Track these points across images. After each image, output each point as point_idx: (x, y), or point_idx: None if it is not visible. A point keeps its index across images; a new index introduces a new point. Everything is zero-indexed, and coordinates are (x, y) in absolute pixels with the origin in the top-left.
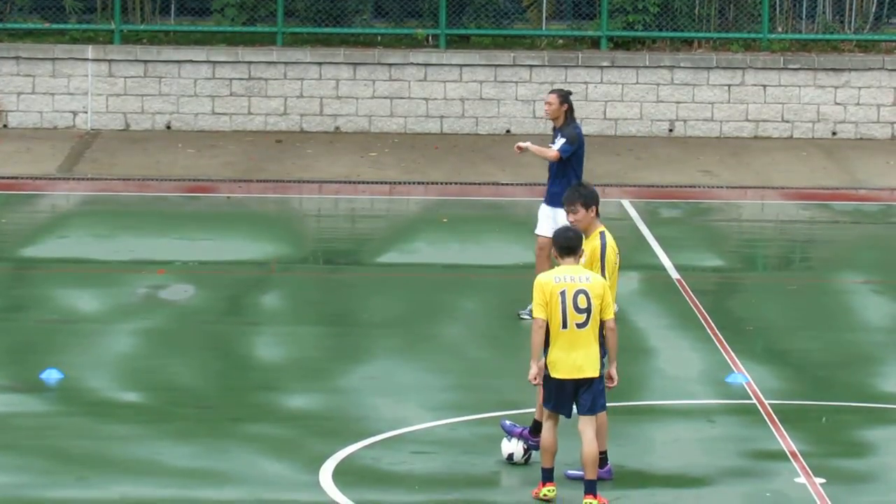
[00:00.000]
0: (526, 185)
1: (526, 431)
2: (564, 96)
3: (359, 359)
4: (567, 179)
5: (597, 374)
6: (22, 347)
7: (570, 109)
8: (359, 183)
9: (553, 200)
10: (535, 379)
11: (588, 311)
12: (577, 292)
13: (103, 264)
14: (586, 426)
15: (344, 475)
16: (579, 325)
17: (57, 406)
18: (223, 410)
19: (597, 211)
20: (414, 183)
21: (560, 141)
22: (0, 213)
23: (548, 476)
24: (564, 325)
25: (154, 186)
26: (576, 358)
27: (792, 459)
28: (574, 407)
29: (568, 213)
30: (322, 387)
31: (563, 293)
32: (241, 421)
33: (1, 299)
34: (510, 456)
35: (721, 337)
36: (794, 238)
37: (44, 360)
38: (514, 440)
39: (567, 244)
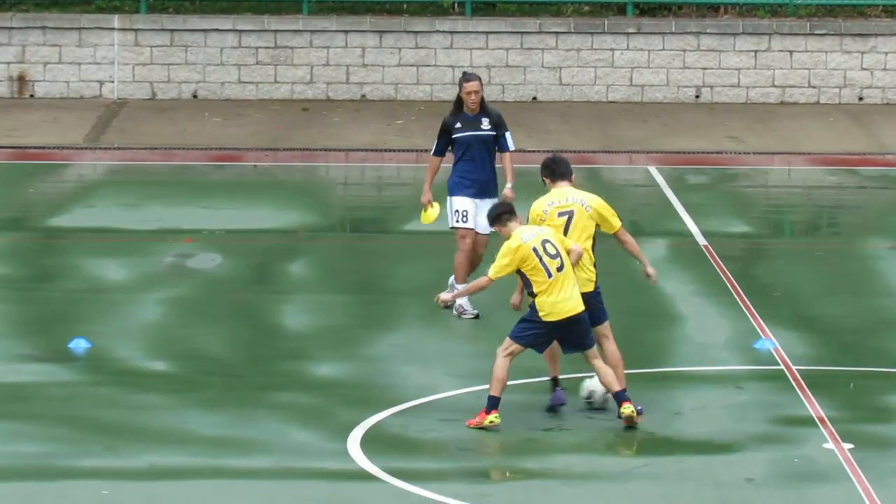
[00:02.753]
0: (552, 151)
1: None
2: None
3: (386, 327)
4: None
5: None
6: (50, 317)
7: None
8: (385, 151)
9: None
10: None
11: (559, 255)
12: (544, 242)
13: (130, 233)
14: (605, 340)
15: (372, 443)
16: (559, 269)
17: (85, 376)
18: (251, 379)
19: (550, 178)
20: None
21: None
22: (27, 183)
23: (494, 404)
24: (549, 275)
25: (181, 155)
26: (559, 299)
27: (820, 425)
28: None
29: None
30: (349, 355)
31: (535, 249)
32: (268, 389)
33: (29, 269)
34: (591, 394)
35: (748, 303)
36: (821, 204)
37: (72, 330)
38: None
39: (502, 210)
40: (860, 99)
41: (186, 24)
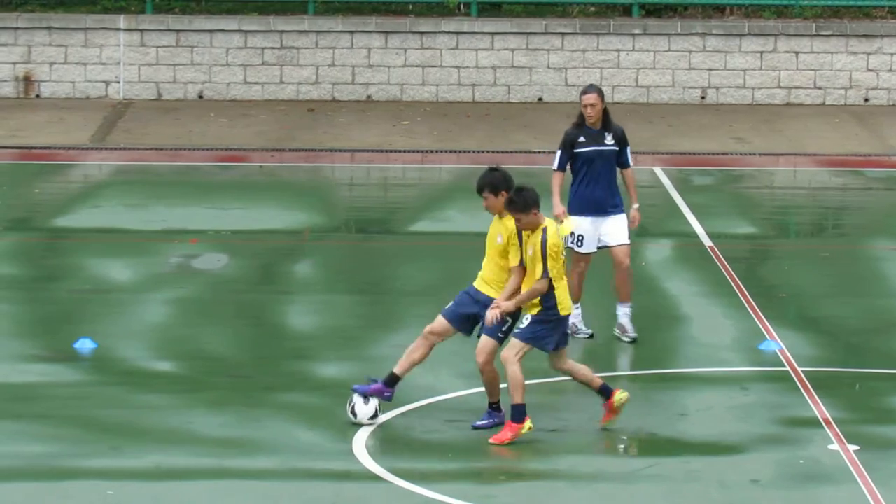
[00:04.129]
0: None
1: (379, 385)
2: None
3: (391, 327)
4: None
5: None
6: (55, 317)
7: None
8: (391, 151)
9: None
10: None
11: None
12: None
13: (136, 234)
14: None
15: (377, 443)
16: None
17: (90, 375)
18: (256, 379)
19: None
20: (446, 151)
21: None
22: (33, 183)
23: (523, 411)
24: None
25: (186, 156)
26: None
27: (825, 426)
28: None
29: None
30: (355, 355)
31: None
32: (274, 390)
33: (34, 269)
34: (372, 416)
35: (754, 304)
36: (827, 205)
37: (77, 330)
38: (370, 399)
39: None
40: (866, 100)
41: (192, 25)
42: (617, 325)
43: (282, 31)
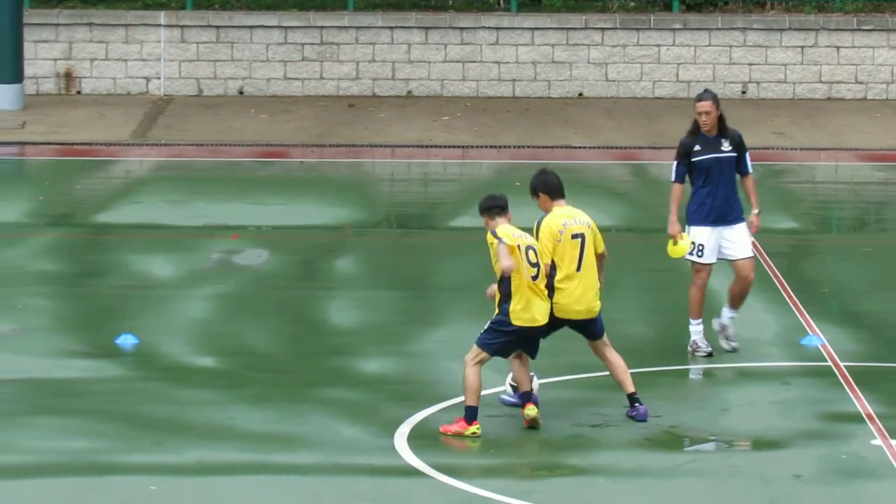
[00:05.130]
0: (599, 147)
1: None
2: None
3: (432, 323)
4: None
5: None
6: (97, 313)
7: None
8: (431, 147)
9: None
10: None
11: (538, 266)
12: (528, 248)
13: (177, 230)
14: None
15: (419, 439)
16: (533, 278)
17: (132, 371)
18: (298, 375)
19: (550, 195)
20: (486, 147)
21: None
22: (74, 180)
23: (474, 414)
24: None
25: (227, 152)
26: (534, 306)
27: (868, 421)
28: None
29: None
30: (396, 351)
31: (519, 247)
32: (315, 385)
33: (76, 265)
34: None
35: (796, 299)
36: (869, 199)
37: (119, 326)
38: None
39: (496, 203)
40: None
41: (232, 21)
42: (718, 323)
43: (322, 27)
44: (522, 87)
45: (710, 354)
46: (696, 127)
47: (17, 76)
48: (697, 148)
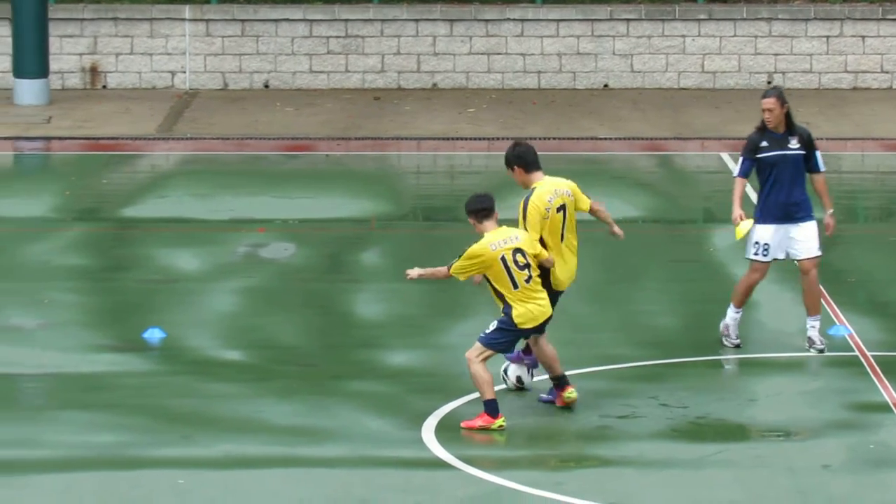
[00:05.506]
0: (625, 139)
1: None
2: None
3: (459, 315)
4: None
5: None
6: (124, 307)
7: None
8: (457, 139)
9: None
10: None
11: (528, 265)
12: (515, 252)
13: (203, 223)
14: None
15: (446, 431)
16: (527, 281)
17: (159, 365)
18: (325, 368)
19: (524, 169)
20: (512, 138)
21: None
22: (100, 174)
23: (496, 406)
24: (515, 287)
25: (253, 145)
26: (533, 307)
27: (895, 411)
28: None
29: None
30: (423, 343)
31: (503, 259)
32: (343, 378)
33: (102, 259)
34: (519, 378)
35: (823, 289)
36: (895, 189)
37: (146, 320)
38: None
39: (482, 206)
40: None
41: (257, 15)
42: (806, 339)
43: (346, 20)
44: (548, 79)
45: (737, 346)
46: (763, 123)
47: (42, 71)
48: (764, 144)
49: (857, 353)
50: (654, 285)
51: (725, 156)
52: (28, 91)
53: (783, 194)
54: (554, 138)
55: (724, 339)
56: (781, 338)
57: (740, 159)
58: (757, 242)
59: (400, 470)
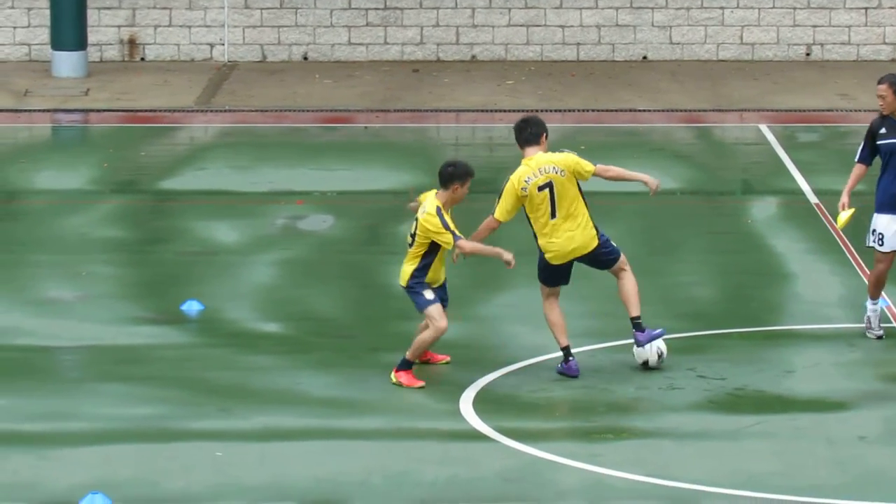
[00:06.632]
0: (663, 111)
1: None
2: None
3: (498, 287)
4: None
5: None
6: (162, 279)
7: None
8: (495, 111)
9: None
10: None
11: None
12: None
13: (242, 196)
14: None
15: (484, 403)
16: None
17: (198, 337)
18: (363, 340)
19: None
20: (551, 111)
21: None
22: (139, 146)
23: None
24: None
25: (291, 117)
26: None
27: None
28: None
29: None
30: (461, 315)
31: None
32: (380, 350)
33: (141, 231)
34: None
35: (860, 261)
36: None
37: (184, 292)
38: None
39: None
40: None
41: None
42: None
43: None
44: (587, 51)
45: (879, 338)
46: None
47: (80, 43)
48: (883, 131)
49: (894, 324)
50: (692, 257)
51: (764, 127)
52: (66, 63)
53: None
54: (592, 110)
55: (867, 332)
56: (818, 309)
57: (862, 144)
58: (873, 231)
59: (437, 442)
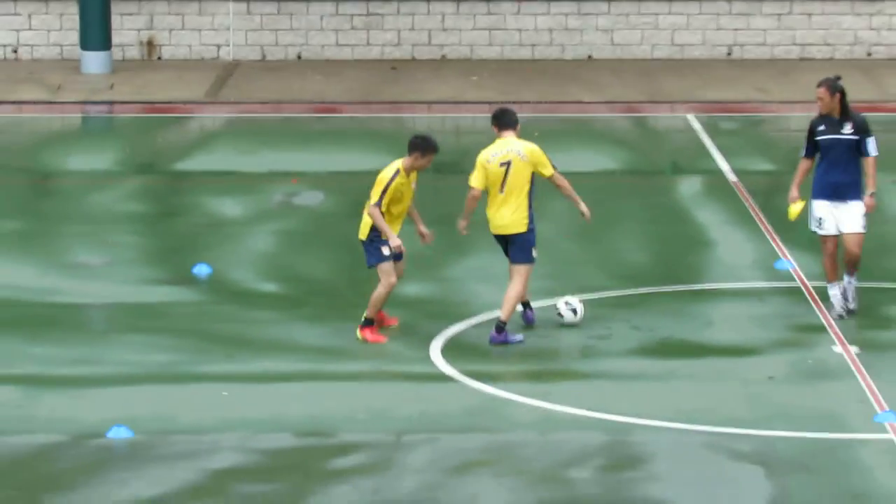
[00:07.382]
0: (606, 102)
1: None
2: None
3: (463, 253)
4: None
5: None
6: (177, 246)
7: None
8: (462, 103)
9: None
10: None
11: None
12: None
13: (245, 175)
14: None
15: (451, 350)
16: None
17: (207, 296)
18: (349, 298)
19: (496, 127)
20: (510, 102)
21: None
22: (156, 133)
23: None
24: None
25: (287, 108)
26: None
27: (830, 332)
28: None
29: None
30: (432, 276)
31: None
32: (363, 306)
33: (158, 206)
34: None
35: (771, 230)
36: None
37: (195, 257)
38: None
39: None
40: (868, 54)
41: None
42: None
43: (368, 0)
44: (540, 51)
45: (841, 317)
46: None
47: (105, 44)
48: (822, 128)
49: (798, 283)
50: (628, 227)
51: (691, 116)
52: (93, 61)
53: (835, 175)
54: (546, 102)
55: (831, 314)
56: (735, 271)
57: (805, 141)
58: (814, 216)
59: (411, 383)
